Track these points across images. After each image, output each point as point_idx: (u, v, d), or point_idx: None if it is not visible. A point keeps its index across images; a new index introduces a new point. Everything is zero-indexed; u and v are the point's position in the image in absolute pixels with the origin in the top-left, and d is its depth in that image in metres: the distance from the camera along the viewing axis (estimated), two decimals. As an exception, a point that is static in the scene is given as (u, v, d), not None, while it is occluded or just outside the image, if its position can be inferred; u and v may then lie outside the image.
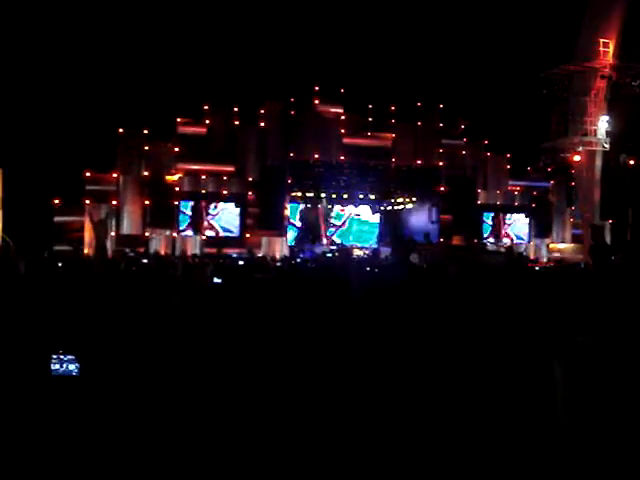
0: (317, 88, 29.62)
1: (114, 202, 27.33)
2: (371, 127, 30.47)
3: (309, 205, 32.91)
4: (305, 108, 29.55)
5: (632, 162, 31.40)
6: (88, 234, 25.43)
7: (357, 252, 29.35)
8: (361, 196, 32.92)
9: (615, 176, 31.44)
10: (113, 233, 27.17)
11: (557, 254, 30.95)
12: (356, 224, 34.46)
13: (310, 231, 32.45)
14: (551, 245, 32.27)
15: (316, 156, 29.38)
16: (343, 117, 30.01)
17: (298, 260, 24.14)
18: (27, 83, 27.70)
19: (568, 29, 29.31)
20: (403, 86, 30.10)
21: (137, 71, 28.83)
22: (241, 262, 21.43)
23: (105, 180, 27.79)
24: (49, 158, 27.05)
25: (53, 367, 5.17)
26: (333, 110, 29.91)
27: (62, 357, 5.16)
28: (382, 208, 34.44)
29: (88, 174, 27.35)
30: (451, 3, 29.91)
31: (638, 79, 30.58)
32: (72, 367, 5.17)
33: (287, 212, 30.02)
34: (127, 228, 27.52)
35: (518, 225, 32.62)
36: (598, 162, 31.68)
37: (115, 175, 27.77)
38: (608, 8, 29.87)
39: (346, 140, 29.99)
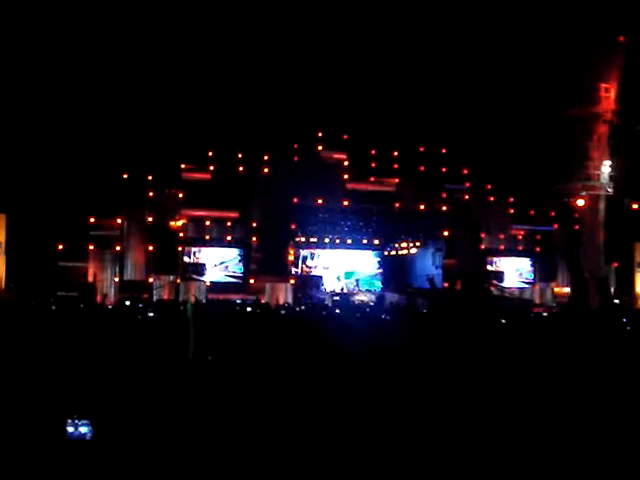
0: (320, 134, 29.79)
1: (118, 248, 27.32)
2: (374, 172, 30.55)
3: None
4: (309, 154, 29.69)
5: (635, 206, 31.38)
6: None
7: (362, 297, 29.25)
8: (364, 241, 32.88)
9: (619, 220, 31.43)
10: (117, 279, 27.11)
11: (562, 298, 30.77)
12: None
13: None
14: (556, 289, 32.10)
15: (320, 201, 29.39)
16: (346, 163, 30.14)
17: (303, 307, 24.01)
18: (32, 128, 27.83)
19: (570, 75, 29.57)
20: (406, 131, 30.22)
21: (141, 117, 28.98)
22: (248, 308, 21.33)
23: (109, 226, 27.81)
24: (53, 203, 27.04)
25: (68, 431, 5.04)
26: (336, 156, 30.05)
27: (77, 422, 5.04)
28: (386, 253, 34.37)
29: (92, 220, 27.37)
30: (453, 51, 30.20)
31: (640, 123, 30.74)
32: (86, 430, 5.04)
33: (291, 257, 29.94)
34: (131, 274, 27.45)
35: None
36: (602, 206, 31.72)
37: (119, 221, 27.81)
38: (608, 54, 30.20)
39: (349, 185, 30.07)
